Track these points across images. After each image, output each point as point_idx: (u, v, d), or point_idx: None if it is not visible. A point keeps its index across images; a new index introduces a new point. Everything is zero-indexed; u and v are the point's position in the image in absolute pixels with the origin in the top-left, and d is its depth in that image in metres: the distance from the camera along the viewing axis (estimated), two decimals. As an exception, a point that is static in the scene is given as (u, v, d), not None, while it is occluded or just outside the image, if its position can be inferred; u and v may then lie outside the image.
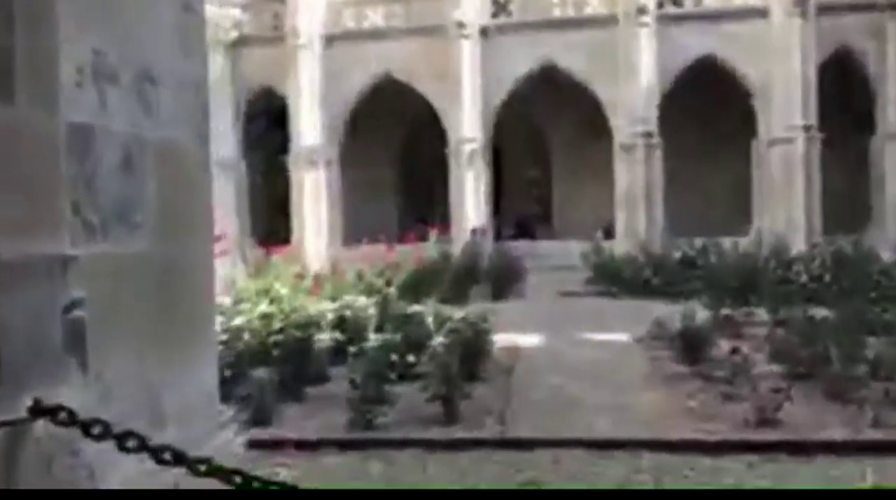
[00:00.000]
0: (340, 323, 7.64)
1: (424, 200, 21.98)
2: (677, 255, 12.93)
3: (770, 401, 5.13)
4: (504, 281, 13.54)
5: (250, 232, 19.77)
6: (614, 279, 13.27)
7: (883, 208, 17.92)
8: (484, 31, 18.25)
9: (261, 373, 6.43)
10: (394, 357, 6.00)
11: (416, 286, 12.23)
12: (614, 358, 7.50)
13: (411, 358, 6.28)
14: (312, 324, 8.02)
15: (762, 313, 9.02)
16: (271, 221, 20.12)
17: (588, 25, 18.16)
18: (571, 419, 5.42)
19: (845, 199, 18.21)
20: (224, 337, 8.03)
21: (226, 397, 5.88)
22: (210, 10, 14.70)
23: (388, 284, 12.52)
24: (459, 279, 13.18)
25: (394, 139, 22.10)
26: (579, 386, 6.32)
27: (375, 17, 18.97)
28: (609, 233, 18.51)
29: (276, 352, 6.52)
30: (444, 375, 5.57)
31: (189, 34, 2.81)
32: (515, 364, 6.97)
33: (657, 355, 7.42)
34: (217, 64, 18.97)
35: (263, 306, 8.68)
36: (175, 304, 2.43)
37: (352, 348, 6.66)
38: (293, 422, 5.53)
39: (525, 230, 21.71)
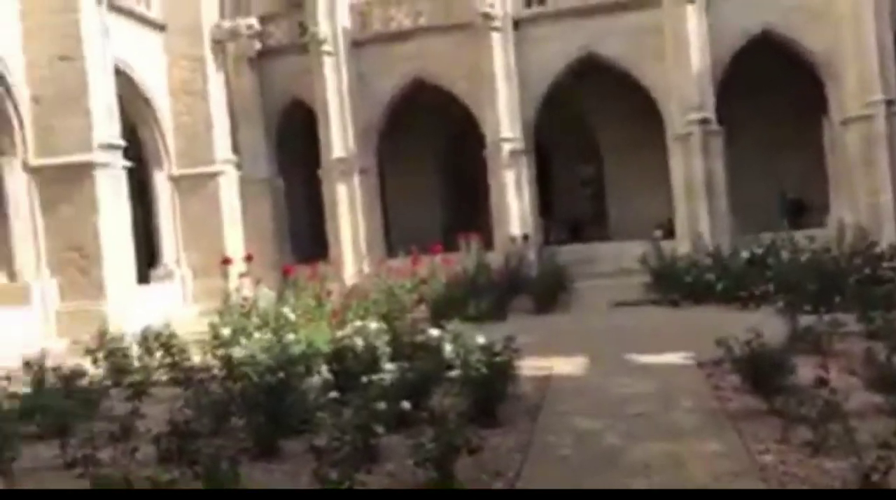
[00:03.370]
0: (339, 356, 6.55)
1: (470, 207, 20.81)
2: (745, 254, 11.35)
3: (876, 459, 3.75)
4: (549, 292, 12.24)
5: (291, 251, 19.03)
6: (675, 285, 11.78)
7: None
8: (517, 24, 17.00)
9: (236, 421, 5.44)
10: (382, 405, 4.84)
11: (449, 303, 11.09)
12: (669, 389, 6.15)
13: (406, 405, 5.11)
14: (313, 357, 7.01)
15: (851, 322, 7.48)
16: (316, 239, 19.31)
17: (630, 8, 16.63)
18: (603, 482, 4.15)
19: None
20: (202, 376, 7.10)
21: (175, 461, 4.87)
22: (229, 24, 13.92)
23: (420, 301, 11.44)
24: (498, 293, 11.96)
25: (435, 144, 21.07)
26: (621, 432, 5.03)
27: (401, 18, 17.96)
28: (669, 232, 16.95)
29: (256, 398, 5.47)
30: (441, 430, 4.39)
31: None
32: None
33: (723, 383, 6.04)
34: (245, 78, 18.38)
35: (257, 336, 7.73)
36: None
37: (333, 394, 5.53)
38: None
39: (578, 233, 20.29)
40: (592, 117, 19.92)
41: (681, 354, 7.35)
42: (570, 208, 21.45)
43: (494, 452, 4.71)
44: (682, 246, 14.71)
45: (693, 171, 16.21)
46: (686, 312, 10.58)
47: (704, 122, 16.08)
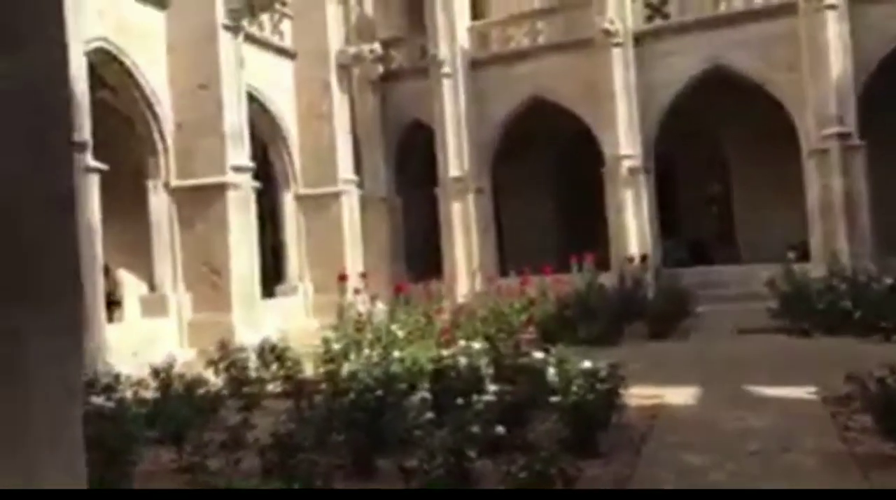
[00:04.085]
0: (439, 376, 6.56)
1: (587, 226, 20.44)
2: (888, 280, 10.35)
3: None
4: (666, 316, 11.71)
5: (407, 268, 19.43)
6: (806, 312, 10.93)
7: None
8: (638, 39, 16.56)
9: (335, 438, 5.54)
10: (475, 428, 4.78)
11: (559, 325, 10.88)
12: (789, 426, 5.68)
13: (500, 429, 5.01)
14: (417, 375, 7.07)
15: None
16: (432, 257, 19.65)
17: (760, 17, 15.79)
18: (709, 526, 3.87)
19: None
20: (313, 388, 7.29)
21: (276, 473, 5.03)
22: (354, 49, 14.52)
23: (530, 322, 11.30)
24: (612, 316, 11.58)
25: (551, 162, 20.89)
26: (731, 471, 4.69)
27: (520, 37, 18.02)
28: (804, 254, 15.79)
29: (354, 415, 5.58)
30: (533, 458, 4.28)
31: None
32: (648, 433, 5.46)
33: (852, 423, 5.51)
34: (368, 100, 19.05)
35: (367, 352, 7.91)
36: None
37: (429, 415, 5.50)
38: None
39: (702, 254, 19.34)
40: (720, 132, 19.03)
41: (807, 388, 6.78)
42: (695, 228, 20.53)
43: (591, 484, 4.52)
44: (816, 270, 13.64)
45: (830, 189, 15.04)
46: (817, 341, 9.78)
47: (844, 136, 14.90)
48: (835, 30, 14.81)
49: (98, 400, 6.05)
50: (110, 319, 13.24)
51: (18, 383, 1.78)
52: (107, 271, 14.05)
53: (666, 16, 16.85)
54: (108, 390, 6.93)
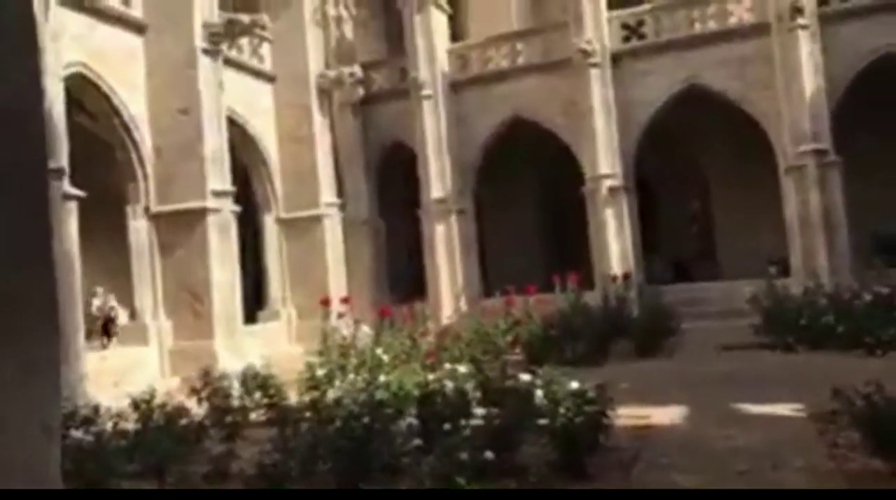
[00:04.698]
0: (425, 401, 6.48)
1: (571, 246, 20.50)
2: (868, 296, 10.45)
3: None
4: (651, 335, 11.72)
5: (391, 291, 19.33)
6: (789, 327, 10.99)
7: None
8: (615, 59, 16.77)
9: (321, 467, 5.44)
10: (463, 455, 4.71)
11: (545, 346, 10.85)
12: (779, 445, 5.66)
13: (489, 455, 4.94)
14: (403, 400, 6.97)
15: None
16: (416, 279, 19.55)
17: (735, 37, 16.08)
18: (702, 550, 3.83)
19: None
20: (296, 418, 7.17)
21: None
22: (333, 73, 14.53)
23: (514, 343, 11.26)
24: (598, 335, 11.57)
25: (533, 182, 20.98)
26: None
27: (499, 59, 18.18)
28: (784, 270, 15.93)
29: (340, 443, 5.48)
30: (523, 484, 4.22)
31: None
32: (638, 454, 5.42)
33: (841, 440, 5.50)
34: (348, 123, 19.05)
35: (352, 377, 7.82)
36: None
37: (416, 442, 5.41)
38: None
39: (684, 272, 19.46)
40: (699, 151, 19.24)
41: (793, 405, 6.79)
42: (676, 246, 20.69)
43: (581, 510, 4.46)
44: (796, 285, 13.76)
45: (808, 204, 15.23)
46: (801, 357, 9.83)
47: (819, 152, 15.13)
48: (807, 49, 15.10)
49: (77, 434, 5.92)
50: (107, 345, 13.14)
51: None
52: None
53: (642, 36, 17.08)
54: (88, 422, 6.78)
